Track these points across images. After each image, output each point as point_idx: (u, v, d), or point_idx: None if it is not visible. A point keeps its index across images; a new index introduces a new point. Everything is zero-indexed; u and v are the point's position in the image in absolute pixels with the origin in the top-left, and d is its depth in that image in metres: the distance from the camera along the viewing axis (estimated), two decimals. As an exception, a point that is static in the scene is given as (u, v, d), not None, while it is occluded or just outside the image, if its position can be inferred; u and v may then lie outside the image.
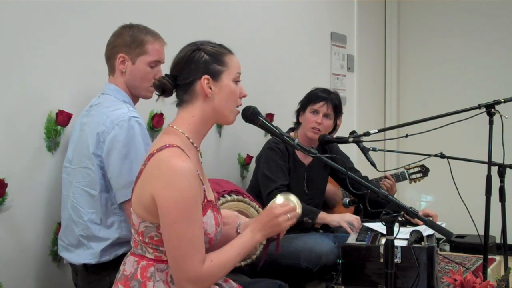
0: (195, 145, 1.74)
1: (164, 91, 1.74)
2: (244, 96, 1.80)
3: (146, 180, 1.65)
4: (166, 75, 1.76)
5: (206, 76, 1.71)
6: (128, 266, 1.72)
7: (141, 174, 1.68)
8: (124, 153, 2.04)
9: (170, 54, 1.84)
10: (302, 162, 3.04)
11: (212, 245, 1.72)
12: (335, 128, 3.13)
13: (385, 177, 3.35)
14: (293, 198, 1.80)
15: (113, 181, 2.07)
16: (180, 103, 1.77)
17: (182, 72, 1.73)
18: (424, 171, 3.41)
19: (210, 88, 1.72)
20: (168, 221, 1.58)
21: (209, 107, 1.73)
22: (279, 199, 1.80)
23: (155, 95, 1.83)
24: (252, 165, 3.47)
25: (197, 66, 1.71)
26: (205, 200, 1.70)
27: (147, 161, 1.66)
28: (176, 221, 1.57)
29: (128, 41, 2.19)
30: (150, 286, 1.65)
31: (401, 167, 3.42)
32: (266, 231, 1.73)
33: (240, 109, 1.83)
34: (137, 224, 1.68)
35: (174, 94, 1.79)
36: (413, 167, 3.39)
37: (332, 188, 3.39)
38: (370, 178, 3.25)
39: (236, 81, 1.77)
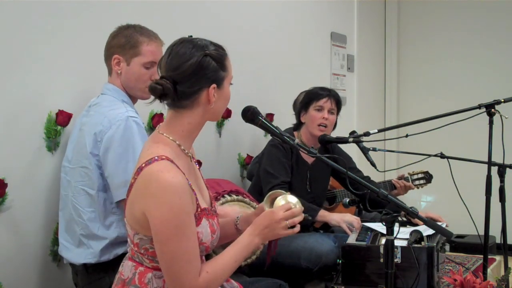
0: (186, 151, 1.69)
1: (163, 96, 1.63)
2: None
3: (136, 196, 1.60)
4: (164, 77, 1.63)
5: (214, 85, 1.65)
6: (126, 270, 1.70)
7: (132, 187, 1.63)
8: (120, 152, 2.04)
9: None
10: (305, 160, 3.04)
11: (208, 252, 1.71)
12: (335, 125, 3.14)
13: (402, 178, 3.31)
14: (293, 200, 1.74)
15: (110, 180, 2.08)
16: (174, 107, 1.67)
17: (190, 79, 1.62)
18: (428, 178, 3.34)
19: (214, 96, 1.66)
20: (160, 239, 1.55)
21: (208, 112, 1.68)
22: (280, 201, 1.74)
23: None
24: (252, 165, 3.48)
25: (206, 74, 1.63)
26: (199, 210, 1.65)
27: (136, 175, 1.60)
28: (168, 238, 1.54)
29: (122, 42, 2.18)
30: None
31: (401, 167, 3.39)
32: (264, 235, 1.70)
33: (240, 109, 1.83)
34: (132, 235, 1.66)
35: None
36: (417, 173, 3.33)
37: None
38: (371, 178, 3.24)
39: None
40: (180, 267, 1.56)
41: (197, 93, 1.64)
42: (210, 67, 1.63)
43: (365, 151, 2.83)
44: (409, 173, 3.32)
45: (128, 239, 1.71)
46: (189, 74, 1.62)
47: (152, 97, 1.67)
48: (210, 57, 1.64)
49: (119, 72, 2.20)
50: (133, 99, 2.28)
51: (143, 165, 1.58)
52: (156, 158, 1.57)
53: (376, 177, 3.31)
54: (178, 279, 1.56)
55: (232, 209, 2.03)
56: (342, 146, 3.25)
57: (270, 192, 1.84)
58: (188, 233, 1.57)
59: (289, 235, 1.71)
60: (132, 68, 2.19)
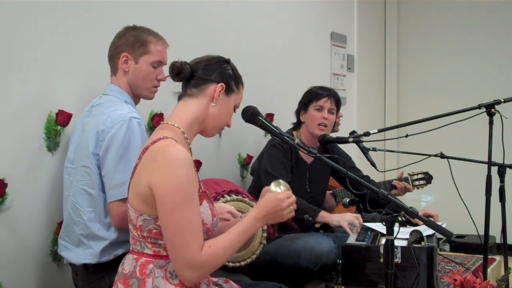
0: (188, 141, 1.77)
1: (178, 74, 1.78)
2: (229, 126, 1.88)
3: (142, 171, 1.66)
4: (186, 62, 1.80)
5: (223, 84, 1.79)
6: (127, 265, 1.72)
7: (136, 168, 1.70)
8: (121, 153, 2.04)
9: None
10: (305, 160, 3.04)
11: (209, 236, 1.74)
12: (334, 125, 3.14)
13: (402, 178, 3.32)
14: (285, 186, 1.82)
15: (106, 180, 2.08)
16: (183, 96, 1.81)
17: (206, 68, 1.79)
18: (428, 178, 3.35)
19: (219, 96, 1.78)
20: (165, 209, 1.60)
21: (208, 111, 1.79)
22: (280, 187, 1.81)
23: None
24: (252, 165, 3.47)
25: (220, 72, 1.80)
26: (200, 190, 1.73)
27: (142, 155, 1.68)
28: (174, 208, 1.59)
29: (131, 41, 2.20)
30: (149, 283, 1.66)
31: (401, 167, 3.40)
32: (268, 220, 1.76)
33: (240, 109, 1.86)
34: (135, 219, 1.69)
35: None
36: (417, 174, 3.35)
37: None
38: (372, 178, 3.24)
39: (235, 108, 1.85)
40: (183, 238, 1.60)
41: (206, 84, 1.79)
42: (226, 70, 1.81)
43: (365, 151, 2.83)
44: (409, 174, 3.32)
45: (131, 226, 1.73)
46: (206, 64, 1.81)
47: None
48: (230, 65, 1.83)
49: (126, 70, 2.21)
50: (136, 99, 2.28)
51: (149, 144, 1.67)
52: (161, 138, 1.66)
53: (376, 177, 3.31)
54: (181, 251, 1.60)
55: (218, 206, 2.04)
56: (342, 146, 3.25)
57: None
58: (192, 204, 1.62)
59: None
60: (140, 66, 2.21)
